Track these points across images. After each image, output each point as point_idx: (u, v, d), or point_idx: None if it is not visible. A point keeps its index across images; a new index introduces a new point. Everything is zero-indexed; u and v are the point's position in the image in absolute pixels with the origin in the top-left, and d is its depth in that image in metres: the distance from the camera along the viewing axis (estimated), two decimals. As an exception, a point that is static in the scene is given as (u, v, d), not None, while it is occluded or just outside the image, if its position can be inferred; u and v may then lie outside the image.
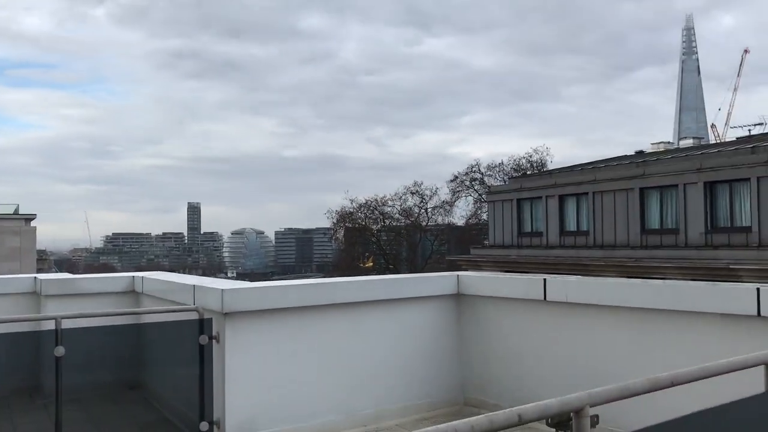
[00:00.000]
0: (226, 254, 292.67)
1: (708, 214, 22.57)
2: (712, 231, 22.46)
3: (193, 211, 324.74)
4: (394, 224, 76.63)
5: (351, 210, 73.14)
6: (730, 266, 20.77)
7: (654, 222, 24.39)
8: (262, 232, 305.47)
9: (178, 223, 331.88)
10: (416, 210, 74.57)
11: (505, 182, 39.13)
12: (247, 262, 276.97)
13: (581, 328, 6.33)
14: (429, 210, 73.98)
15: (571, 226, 27.55)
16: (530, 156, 69.79)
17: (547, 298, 6.67)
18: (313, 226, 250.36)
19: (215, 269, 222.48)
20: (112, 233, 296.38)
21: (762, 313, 4.58)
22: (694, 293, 5.24)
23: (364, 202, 73.88)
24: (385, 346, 6.83)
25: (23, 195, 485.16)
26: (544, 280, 6.65)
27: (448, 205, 76.03)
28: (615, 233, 25.43)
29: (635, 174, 24.99)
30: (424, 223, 74.71)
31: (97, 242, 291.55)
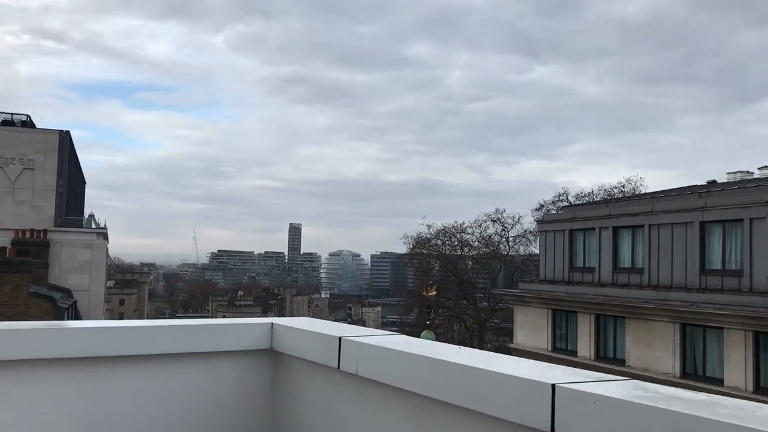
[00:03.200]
0: (323, 275, 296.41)
1: (778, 255, 19.12)
2: (782, 275, 19.00)
3: (294, 231, 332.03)
4: (473, 253, 73.80)
5: (428, 236, 71.02)
6: (798, 319, 17.34)
7: (715, 262, 21.05)
8: (359, 255, 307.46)
9: (280, 243, 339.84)
10: (497, 238, 71.49)
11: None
12: (342, 283, 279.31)
13: (369, 417, 4.19)
14: (510, 239, 70.71)
15: (625, 262, 24.45)
16: (623, 186, 65.33)
17: (341, 367, 4.54)
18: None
19: (312, 289, 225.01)
20: (218, 250, 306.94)
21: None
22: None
23: (441, 228, 71.61)
24: (161, 417, 4.86)
25: (141, 210, 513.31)
26: (339, 339, 4.53)
27: (531, 235, 72.40)
28: (672, 272, 22.20)
29: (696, 206, 21.76)
30: (504, 253, 71.44)
31: (204, 258, 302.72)
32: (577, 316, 25.45)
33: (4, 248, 37.42)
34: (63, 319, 37.31)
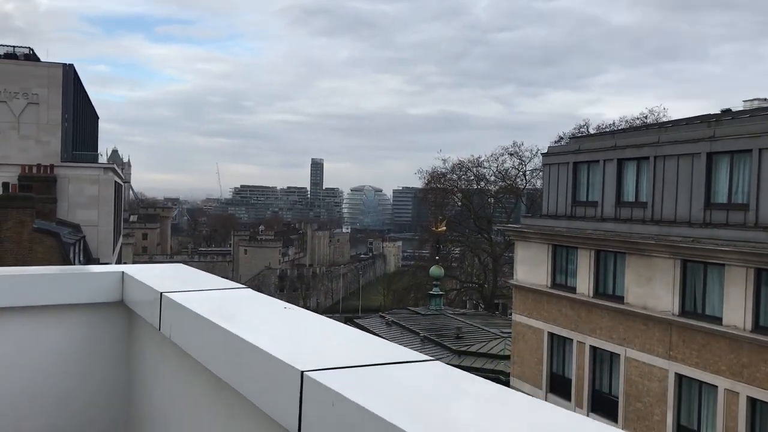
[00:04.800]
0: (345, 210, 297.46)
1: (786, 188, 17.97)
2: (789, 209, 17.89)
3: (316, 167, 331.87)
4: (489, 187, 72.66)
5: (444, 170, 69.91)
6: (802, 255, 16.34)
7: (721, 195, 19.95)
8: (380, 190, 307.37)
9: (302, 178, 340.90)
10: (513, 172, 70.14)
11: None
12: (364, 218, 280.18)
13: (183, 394, 3.62)
14: (528, 173, 69.35)
15: (629, 196, 23.40)
16: (645, 117, 63.26)
17: (161, 329, 3.95)
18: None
19: (334, 224, 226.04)
20: (241, 185, 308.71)
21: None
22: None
23: (457, 162, 70.39)
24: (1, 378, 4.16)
25: (165, 145, 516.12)
26: (161, 295, 3.86)
27: (548, 168, 70.84)
28: (676, 207, 21.16)
29: (704, 136, 20.51)
30: (521, 186, 70.21)
31: (227, 193, 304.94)
32: (577, 252, 24.64)
33: (7, 184, 37.24)
34: (69, 255, 37.35)
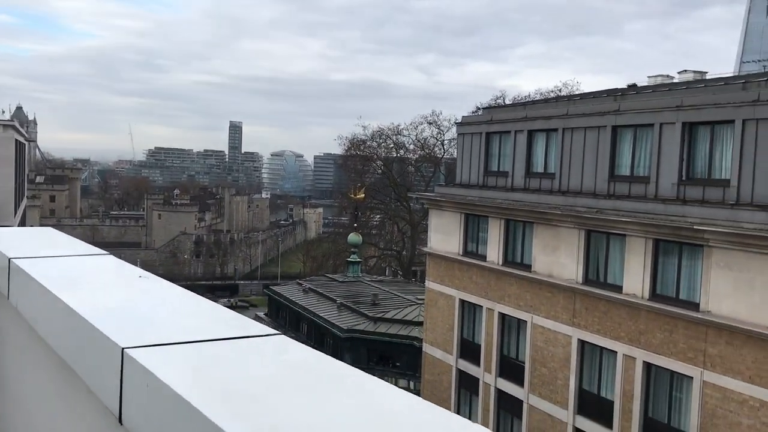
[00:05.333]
0: (265, 175, 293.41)
1: (684, 162, 18.66)
2: (686, 182, 18.61)
3: (235, 130, 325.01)
4: (409, 155, 73.00)
5: (363, 137, 69.70)
6: (696, 227, 17.06)
7: (624, 167, 20.57)
8: (302, 156, 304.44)
9: (220, 141, 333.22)
10: (432, 141, 70.67)
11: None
12: (285, 184, 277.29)
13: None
14: (446, 142, 69.99)
15: (538, 167, 23.85)
16: (559, 90, 64.79)
17: (10, 299, 3.65)
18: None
19: (253, 190, 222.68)
20: (155, 147, 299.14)
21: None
22: None
23: (377, 129, 70.28)
24: None
25: (75, 104, 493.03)
26: (9, 261, 3.52)
27: (466, 138, 71.61)
28: (582, 178, 21.71)
29: (609, 109, 21.02)
30: (440, 156, 70.88)
31: (141, 155, 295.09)
32: (488, 221, 25.02)
33: None
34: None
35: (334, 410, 1.32)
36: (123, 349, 1.65)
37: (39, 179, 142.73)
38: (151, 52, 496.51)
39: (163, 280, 2.83)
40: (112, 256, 3.52)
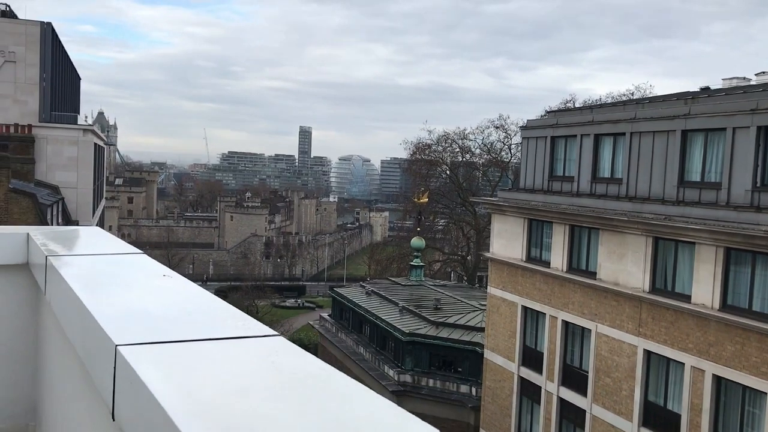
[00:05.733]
0: (333, 179, 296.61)
1: (758, 168, 17.87)
2: (761, 189, 17.81)
3: (305, 135, 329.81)
4: (475, 160, 72.47)
5: (429, 142, 69.59)
6: (770, 235, 16.31)
7: (694, 173, 19.84)
8: (369, 160, 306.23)
9: (290, 146, 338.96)
10: (499, 145, 69.92)
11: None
12: (352, 188, 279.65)
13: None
14: (513, 146, 69.11)
15: (605, 171, 23.27)
16: (632, 93, 63.18)
17: (47, 295, 3.86)
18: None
19: (322, 193, 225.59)
20: (228, 151, 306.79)
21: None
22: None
23: (442, 133, 70.04)
24: None
25: (152, 109, 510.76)
26: (46, 258, 3.73)
27: (534, 142, 70.51)
28: (650, 184, 21.06)
29: (679, 113, 20.33)
30: (506, 160, 70.06)
31: (215, 159, 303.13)
32: (552, 227, 24.58)
33: (-19, 143, 36.56)
34: (47, 216, 36.95)
35: (300, 418, 1.33)
36: (116, 346, 1.70)
37: (118, 181, 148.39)
38: (224, 59, 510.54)
39: (186, 279, 2.93)
40: (145, 256, 3.65)
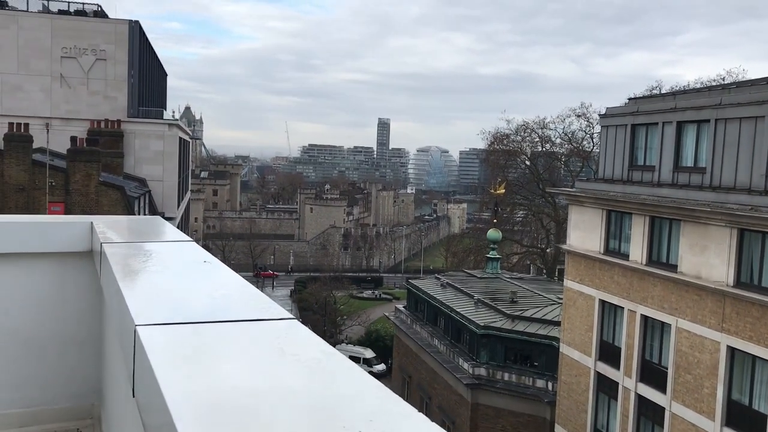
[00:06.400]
0: (410, 170, 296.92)
1: None
2: None
3: (383, 126, 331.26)
4: (554, 150, 71.00)
5: (507, 132, 68.65)
6: None
7: (785, 161, 18.78)
8: (447, 151, 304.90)
9: (369, 138, 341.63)
10: (580, 134, 68.24)
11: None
12: (430, 179, 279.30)
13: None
14: (595, 135, 67.29)
15: (688, 160, 22.33)
16: (723, 78, 60.33)
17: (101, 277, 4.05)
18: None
19: (399, 185, 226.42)
20: (309, 144, 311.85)
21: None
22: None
23: (521, 123, 68.95)
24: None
25: (236, 103, 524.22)
26: (101, 244, 3.90)
27: (617, 131, 68.47)
28: (735, 173, 20.08)
29: (769, 98, 19.29)
30: (589, 150, 68.29)
31: (295, 152, 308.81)
32: (631, 218, 23.81)
33: (75, 138, 38.51)
34: (134, 208, 38.57)
35: (289, 396, 1.36)
36: (136, 326, 1.79)
37: (203, 174, 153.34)
38: (305, 52, 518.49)
39: (224, 265, 3.04)
40: (194, 243, 3.78)
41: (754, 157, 19.47)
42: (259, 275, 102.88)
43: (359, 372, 1.50)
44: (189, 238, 4.02)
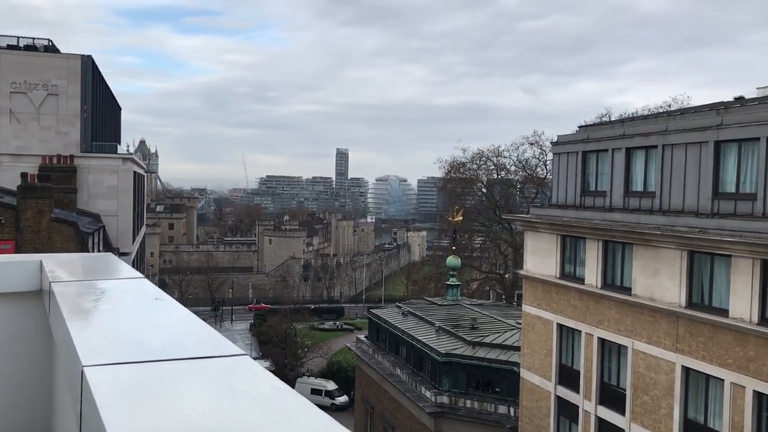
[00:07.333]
0: (370, 200, 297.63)
1: (794, 177, 17.45)
2: (797, 199, 17.37)
3: (342, 157, 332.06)
4: (510, 177, 72.08)
5: (463, 160, 69.55)
6: (808, 246, 15.87)
7: (729, 185, 19.45)
8: (405, 180, 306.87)
9: (328, 168, 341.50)
10: (534, 162, 69.51)
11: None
12: (389, 208, 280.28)
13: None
14: (548, 162, 68.61)
15: (637, 185, 22.95)
16: (669, 105, 62.35)
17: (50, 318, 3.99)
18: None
19: (359, 214, 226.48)
20: (267, 175, 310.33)
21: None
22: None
23: (477, 151, 69.97)
24: None
25: (192, 136, 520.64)
26: (50, 283, 3.86)
27: (570, 158, 69.87)
28: (684, 197, 20.70)
29: (711, 124, 20.00)
30: (542, 176, 69.52)
31: (253, 183, 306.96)
32: (585, 242, 24.28)
33: (26, 174, 37.71)
34: (88, 244, 37.78)
35: None
36: (83, 367, 1.78)
37: (159, 208, 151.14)
38: (262, 84, 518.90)
39: (177, 303, 3.05)
40: (145, 280, 3.78)
41: (700, 180, 20.11)
42: (217, 309, 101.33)
43: (310, 407, 1.51)
44: (141, 275, 4.02)
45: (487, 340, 36.78)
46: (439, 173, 75.13)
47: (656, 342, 21.04)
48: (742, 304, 17.99)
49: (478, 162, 69.67)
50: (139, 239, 56.57)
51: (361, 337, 47.91)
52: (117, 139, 64.70)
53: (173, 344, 2.23)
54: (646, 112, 58.84)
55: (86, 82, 46.49)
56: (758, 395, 17.80)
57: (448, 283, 48.33)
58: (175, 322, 2.63)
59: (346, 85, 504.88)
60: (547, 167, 68.85)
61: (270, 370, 2.23)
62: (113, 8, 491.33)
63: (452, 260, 48.16)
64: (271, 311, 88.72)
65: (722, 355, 18.75)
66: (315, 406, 1.53)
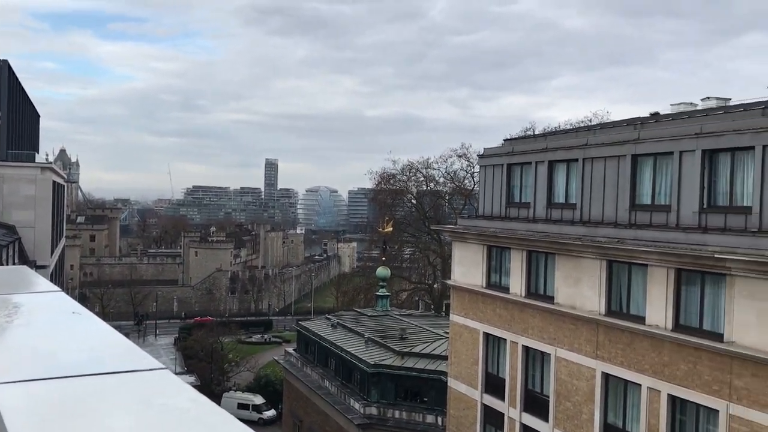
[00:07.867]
0: (300, 211, 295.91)
1: (704, 190, 18.34)
2: (707, 210, 18.26)
3: (271, 167, 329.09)
4: (439, 188, 73.01)
5: (394, 171, 70.03)
6: (717, 255, 16.68)
7: (645, 197, 20.28)
8: (336, 191, 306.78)
9: (256, 178, 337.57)
10: (462, 174, 70.63)
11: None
12: (319, 219, 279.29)
13: None
14: (476, 174, 69.86)
15: (559, 197, 23.66)
16: (589, 120, 64.51)
17: None
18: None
19: (289, 225, 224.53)
20: (193, 185, 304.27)
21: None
22: None
23: (407, 163, 70.60)
24: None
25: (116, 145, 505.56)
26: None
27: (496, 170, 71.27)
28: (603, 208, 21.46)
29: (629, 138, 20.84)
30: (470, 188, 70.71)
31: (179, 194, 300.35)
32: (510, 252, 24.83)
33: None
34: (2, 257, 36.09)
35: None
36: None
37: (80, 219, 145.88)
38: (189, 92, 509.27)
39: (95, 316, 2.97)
40: (62, 293, 3.66)
41: (618, 192, 20.89)
42: (141, 323, 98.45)
43: (230, 420, 1.51)
44: (57, 288, 3.90)
45: (416, 350, 37.05)
46: (369, 184, 75.60)
47: (578, 349, 21.66)
48: (657, 312, 18.73)
49: (408, 173, 70.33)
50: (58, 252, 54.43)
51: (290, 349, 47.45)
52: (35, 147, 62.19)
53: (91, 359, 2.18)
54: (568, 127, 60.79)
55: (1, 87, 44.58)
56: (672, 398, 18.54)
57: (377, 293, 48.49)
58: (92, 336, 2.57)
59: (276, 94, 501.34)
60: (475, 179, 70.14)
61: (195, 386, 2.19)
62: (32, 12, 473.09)
63: (382, 271, 48.35)
64: (197, 325, 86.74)
65: (639, 360, 19.45)
66: (236, 419, 1.52)
